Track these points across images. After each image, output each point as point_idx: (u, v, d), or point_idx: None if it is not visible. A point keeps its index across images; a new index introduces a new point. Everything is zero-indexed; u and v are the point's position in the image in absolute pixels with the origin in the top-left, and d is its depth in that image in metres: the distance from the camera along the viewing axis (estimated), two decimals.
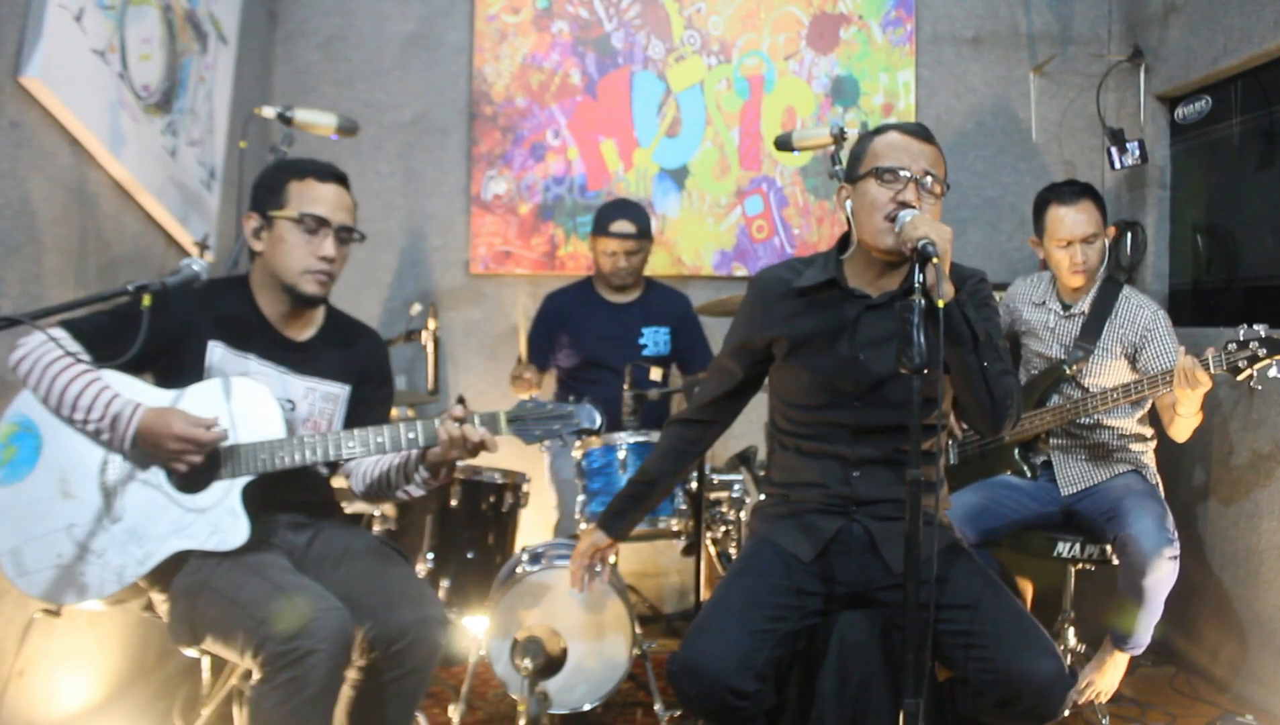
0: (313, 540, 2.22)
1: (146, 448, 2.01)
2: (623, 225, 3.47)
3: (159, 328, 1.99)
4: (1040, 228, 2.96)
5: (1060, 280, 2.98)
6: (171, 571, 2.04)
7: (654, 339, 3.60)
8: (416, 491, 2.24)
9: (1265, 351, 2.57)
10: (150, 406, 2.01)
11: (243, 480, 2.06)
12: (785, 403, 2.14)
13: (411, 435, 2.08)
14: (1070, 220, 2.87)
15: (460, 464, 3.00)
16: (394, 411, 3.12)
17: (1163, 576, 2.66)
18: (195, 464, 2.01)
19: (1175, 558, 2.67)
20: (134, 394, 2.07)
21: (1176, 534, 2.70)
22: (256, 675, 1.90)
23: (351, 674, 2.08)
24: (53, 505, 2.03)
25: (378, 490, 2.28)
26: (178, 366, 2.13)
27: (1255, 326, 2.59)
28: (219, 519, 2.04)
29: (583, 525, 2.87)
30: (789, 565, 2.03)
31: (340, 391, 2.29)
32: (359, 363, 2.32)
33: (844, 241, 2.15)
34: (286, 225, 2.15)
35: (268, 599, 1.91)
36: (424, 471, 2.18)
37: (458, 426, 2.05)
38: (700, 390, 2.27)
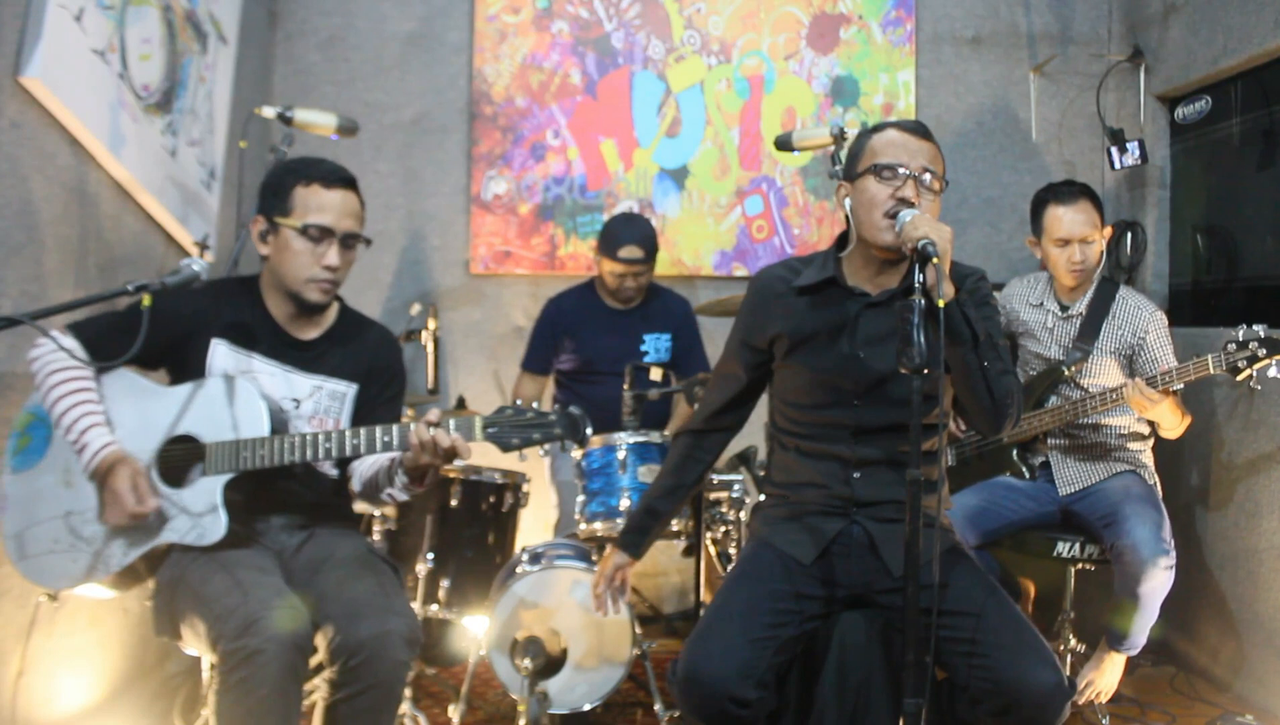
0: (304, 544, 2.22)
1: (99, 483, 2.05)
2: (631, 251, 3.43)
3: (164, 327, 2.02)
4: (1038, 227, 2.96)
5: (1057, 280, 2.99)
6: (155, 563, 2.08)
7: (655, 346, 3.59)
8: (400, 496, 2.21)
9: (1265, 352, 2.58)
10: (114, 453, 2.01)
11: (225, 477, 2.06)
12: (786, 402, 2.14)
13: (387, 438, 2.05)
14: (1068, 220, 2.87)
15: (460, 464, 3.02)
16: None
17: (1158, 585, 2.67)
18: (113, 522, 2.02)
19: (1171, 567, 2.67)
20: (135, 393, 2.10)
21: (1173, 543, 2.70)
22: (216, 675, 1.90)
23: (323, 687, 2.06)
24: (55, 493, 2.10)
25: (371, 491, 2.28)
26: (182, 365, 2.16)
27: (1255, 327, 2.60)
28: (199, 514, 2.05)
29: (583, 525, 2.87)
30: (788, 569, 2.02)
31: (347, 389, 2.28)
32: (366, 360, 2.31)
33: (842, 239, 2.14)
34: (291, 234, 2.14)
35: (226, 595, 1.93)
36: (403, 476, 2.15)
37: (428, 431, 1.98)
38: (706, 398, 2.25)
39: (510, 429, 2.01)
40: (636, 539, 2.28)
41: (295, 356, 2.23)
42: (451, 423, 2.01)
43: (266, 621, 1.88)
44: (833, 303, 2.07)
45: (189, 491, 2.07)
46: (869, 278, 2.07)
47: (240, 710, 1.87)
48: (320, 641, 2.02)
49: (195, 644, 2.02)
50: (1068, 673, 2.22)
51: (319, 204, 2.14)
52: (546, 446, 2.04)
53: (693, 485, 2.28)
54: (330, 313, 2.30)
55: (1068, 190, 2.92)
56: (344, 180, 2.19)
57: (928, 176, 1.97)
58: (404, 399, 2.44)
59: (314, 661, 2.03)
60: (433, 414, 2.02)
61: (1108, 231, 2.96)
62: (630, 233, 3.46)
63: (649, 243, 3.47)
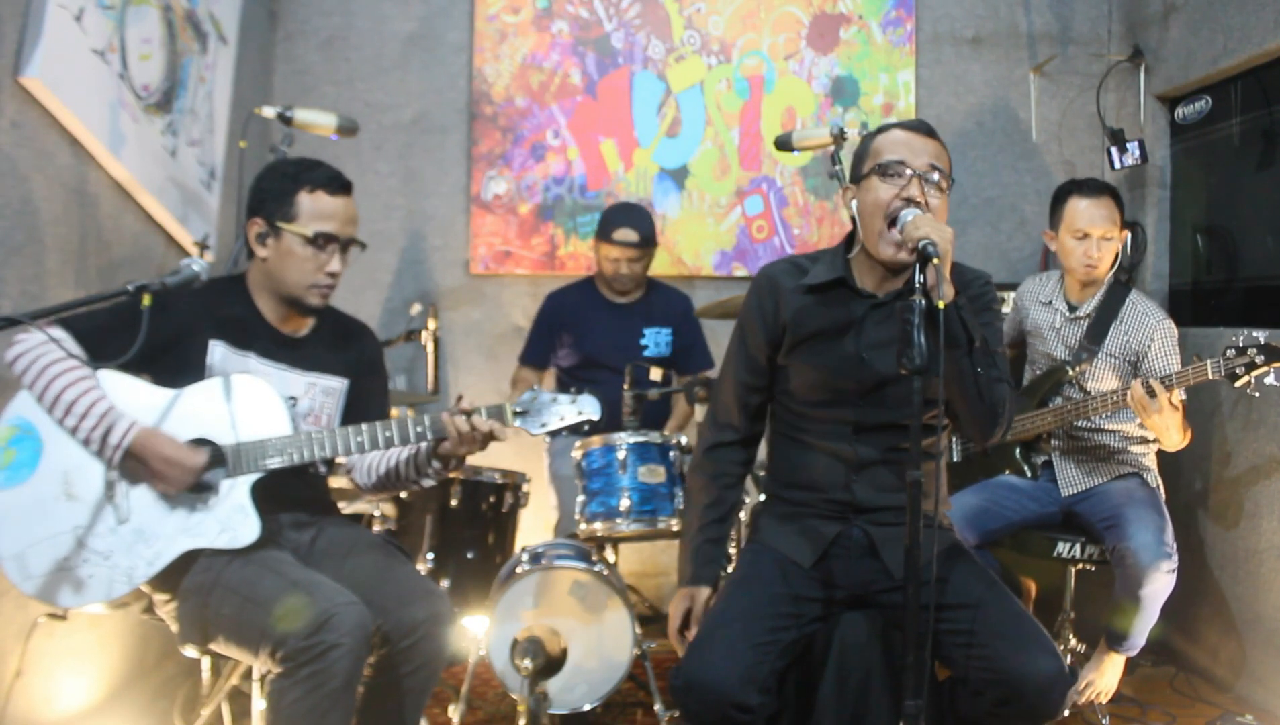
0: (316, 538, 2.23)
1: (134, 464, 2.01)
2: (626, 233, 3.45)
3: (159, 328, 1.98)
4: (1056, 220, 2.93)
5: (1069, 277, 2.97)
6: (177, 572, 2.03)
7: (655, 340, 3.59)
8: (428, 482, 2.29)
9: (1263, 359, 2.56)
10: (144, 427, 2.00)
11: (251, 477, 2.06)
12: (788, 397, 2.12)
13: (419, 428, 2.11)
14: (1089, 213, 2.84)
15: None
16: (394, 411, 3.13)
17: (1159, 588, 2.66)
18: (177, 489, 2.01)
19: (1173, 571, 2.66)
20: (133, 396, 2.07)
21: (1175, 547, 2.70)
22: (276, 670, 1.90)
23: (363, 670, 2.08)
24: (56, 508, 2.00)
25: (387, 483, 2.31)
26: (179, 366, 2.12)
27: (1255, 333, 2.58)
28: (228, 517, 2.04)
29: (583, 525, 2.86)
30: (788, 572, 2.02)
31: (339, 385, 2.30)
32: (356, 356, 2.33)
33: (850, 239, 2.12)
34: (296, 240, 2.14)
35: (285, 595, 1.92)
36: (436, 463, 2.20)
37: (465, 419, 2.08)
38: (723, 408, 2.17)
39: (538, 413, 2.17)
40: (711, 570, 2.12)
41: (289, 355, 2.23)
42: (483, 410, 2.12)
43: (341, 617, 1.89)
44: (839, 302, 2.06)
45: (210, 495, 2.05)
46: (876, 279, 2.06)
47: (306, 704, 1.88)
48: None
49: (236, 649, 2.00)
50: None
51: (325, 211, 2.15)
52: (567, 430, 2.19)
53: (739, 499, 2.21)
54: None
55: (1092, 184, 2.89)
56: (345, 186, 2.21)
57: (935, 175, 1.96)
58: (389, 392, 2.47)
59: None
60: (464, 403, 2.12)
61: (1124, 234, 2.94)
62: (626, 217, 3.49)
63: (644, 229, 3.48)
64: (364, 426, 2.09)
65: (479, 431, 2.09)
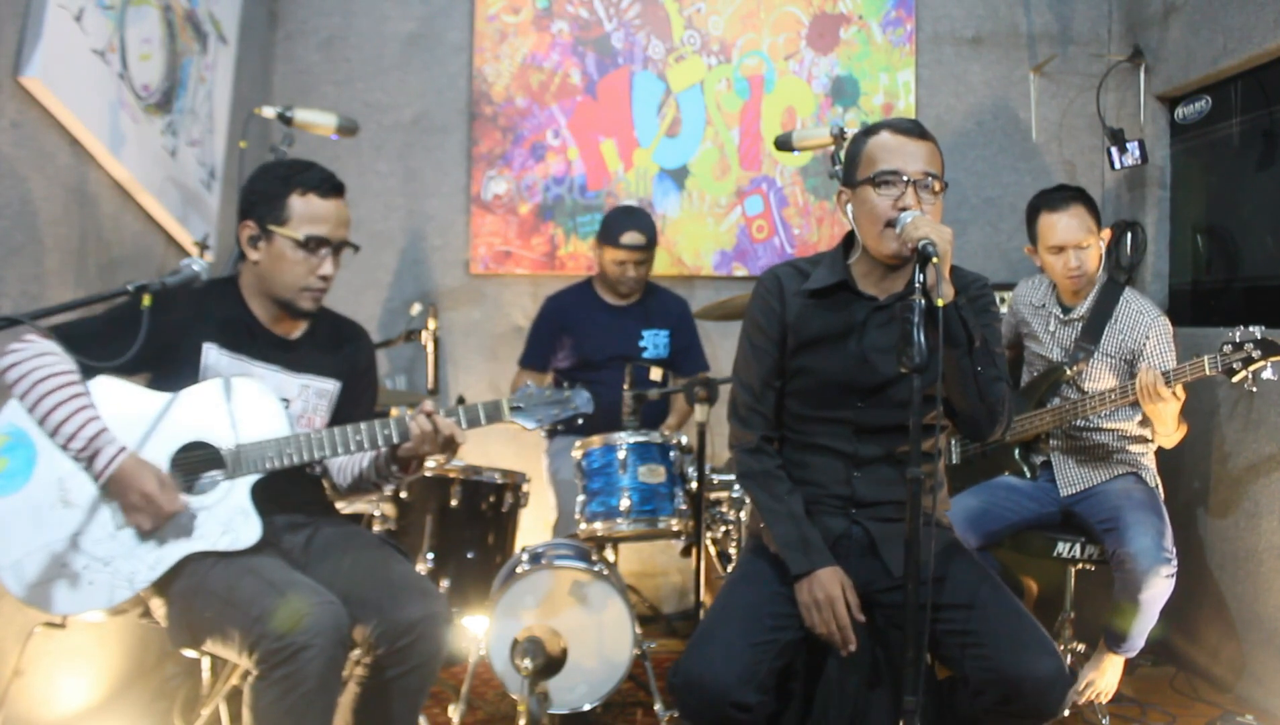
0: (311, 539, 2.22)
1: (114, 491, 1.97)
2: (633, 236, 3.46)
3: (154, 331, 1.96)
4: (1033, 235, 2.95)
5: (1058, 286, 2.98)
6: (168, 576, 2.03)
7: (654, 342, 3.59)
8: (389, 487, 2.30)
9: (1260, 353, 2.57)
10: (133, 454, 1.97)
11: (251, 478, 2.05)
12: (790, 397, 2.13)
13: (387, 432, 2.11)
14: (1061, 226, 2.85)
15: (460, 464, 3.03)
16: (394, 411, 3.13)
17: (1159, 593, 2.67)
18: (145, 527, 1.97)
19: (1172, 575, 2.67)
20: (130, 401, 2.05)
21: (1175, 551, 2.70)
22: (253, 672, 1.90)
23: (357, 670, 2.08)
24: (53, 515, 1.97)
25: (358, 486, 2.31)
26: (174, 369, 2.12)
27: (1251, 328, 2.59)
28: (230, 519, 2.03)
29: (583, 525, 2.86)
30: (788, 571, 2.01)
31: (331, 387, 2.30)
32: (349, 360, 2.33)
33: (849, 240, 2.13)
34: (287, 243, 2.12)
35: (262, 597, 1.91)
36: (394, 467, 2.20)
37: (428, 420, 2.09)
38: (752, 407, 2.13)
39: (533, 407, 2.20)
40: (825, 550, 2.02)
41: (283, 357, 2.23)
42: (480, 406, 2.14)
43: (311, 618, 1.88)
44: (841, 306, 2.07)
45: (210, 497, 2.04)
46: (876, 281, 2.07)
47: (282, 707, 1.87)
48: (359, 631, 2.03)
49: (223, 650, 1.99)
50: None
51: (316, 214, 2.14)
52: (563, 422, 2.23)
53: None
54: None
55: (1059, 196, 2.89)
56: (337, 188, 2.19)
57: (929, 180, 1.96)
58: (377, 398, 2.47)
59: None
60: (427, 405, 2.12)
61: (1106, 234, 2.94)
62: (632, 220, 3.50)
63: (650, 230, 3.50)
64: (363, 426, 2.09)
65: (441, 434, 2.09)
